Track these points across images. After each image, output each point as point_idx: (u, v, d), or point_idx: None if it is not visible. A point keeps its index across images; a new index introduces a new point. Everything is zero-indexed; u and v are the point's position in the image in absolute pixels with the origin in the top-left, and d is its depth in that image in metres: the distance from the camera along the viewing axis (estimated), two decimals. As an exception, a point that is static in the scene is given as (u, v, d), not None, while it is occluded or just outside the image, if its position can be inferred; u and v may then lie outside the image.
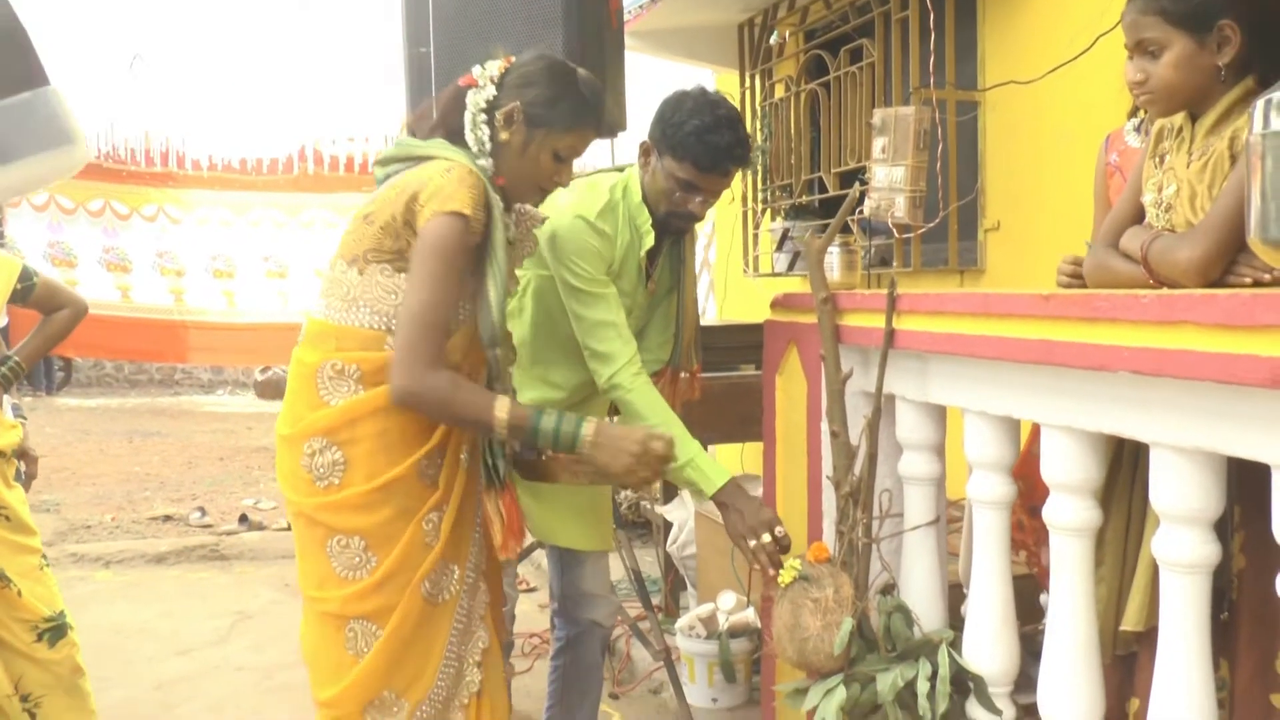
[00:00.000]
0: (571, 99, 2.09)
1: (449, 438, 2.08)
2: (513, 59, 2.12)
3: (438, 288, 1.94)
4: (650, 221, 2.46)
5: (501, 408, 1.95)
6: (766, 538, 2.21)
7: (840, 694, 1.94)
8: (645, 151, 2.45)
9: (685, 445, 2.30)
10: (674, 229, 2.53)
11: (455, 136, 2.10)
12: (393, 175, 2.09)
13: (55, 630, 2.79)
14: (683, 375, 2.71)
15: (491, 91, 2.07)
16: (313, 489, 2.03)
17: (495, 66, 2.10)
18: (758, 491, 3.86)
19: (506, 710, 2.28)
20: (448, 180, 1.97)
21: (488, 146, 2.07)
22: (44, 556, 2.85)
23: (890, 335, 2.00)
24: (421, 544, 2.04)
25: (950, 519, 2.56)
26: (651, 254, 2.56)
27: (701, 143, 2.32)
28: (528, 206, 2.28)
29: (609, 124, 2.23)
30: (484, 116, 2.07)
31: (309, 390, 2.04)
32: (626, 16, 4.83)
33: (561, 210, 2.43)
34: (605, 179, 2.51)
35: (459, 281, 1.99)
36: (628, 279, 2.52)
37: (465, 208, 1.94)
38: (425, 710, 2.10)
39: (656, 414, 2.36)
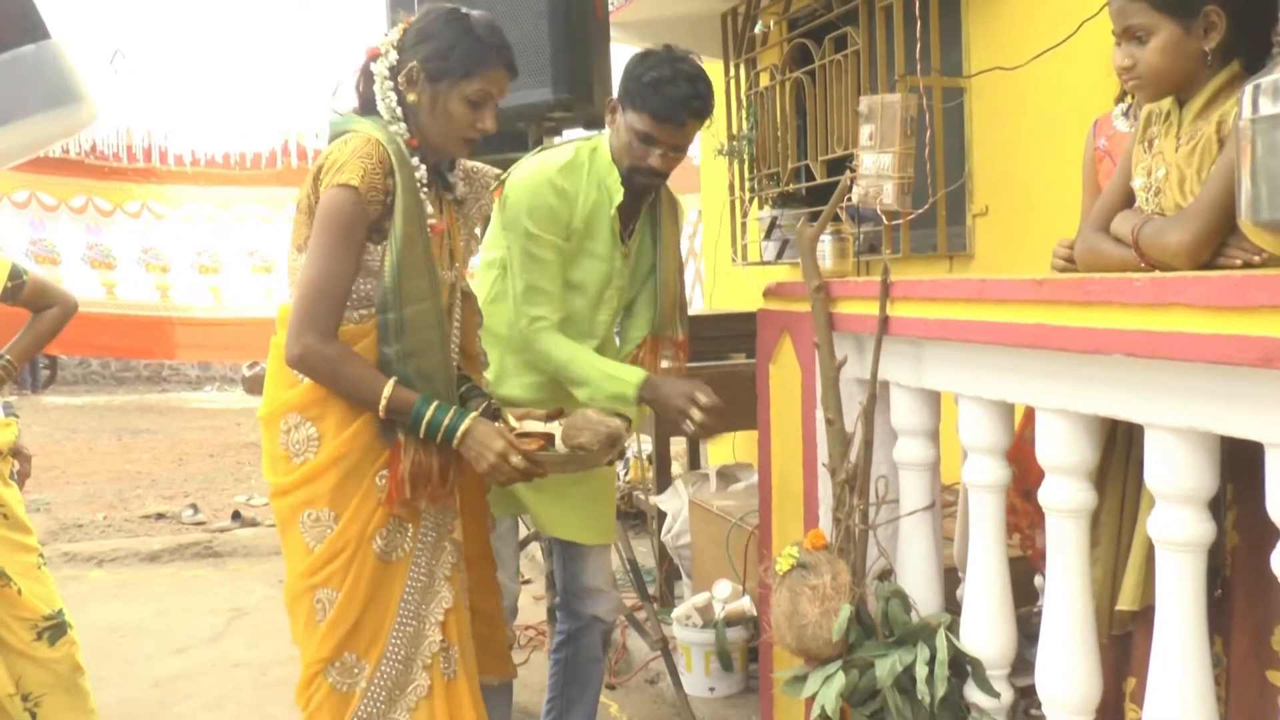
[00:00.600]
0: (466, 44, 2.08)
1: (459, 484, 2.18)
2: (411, 19, 2.14)
3: (327, 258, 2.00)
4: (619, 180, 2.48)
5: (387, 390, 2.02)
6: (696, 413, 2.37)
7: (839, 680, 1.96)
8: (612, 109, 2.48)
9: (592, 365, 2.44)
10: (639, 186, 2.53)
11: (370, 107, 2.14)
12: None
13: (55, 629, 2.79)
14: (669, 342, 2.71)
15: (394, 56, 2.10)
16: (290, 465, 2.11)
17: (396, 31, 2.13)
18: (753, 479, 3.88)
19: (474, 672, 2.30)
20: (342, 152, 2.02)
21: (398, 111, 2.10)
22: (41, 555, 2.84)
23: (884, 322, 2.02)
24: (374, 500, 2.10)
25: (945, 504, 2.58)
26: (626, 219, 2.57)
27: (658, 93, 2.36)
28: (478, 165, 2.36)
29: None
30: (390, 83, 2.10)
31: (282, 370, 2.13)
32: (611, 6, 4.83)
33: (525, 169, 2.48)
34: (573, 143, 2.56)
35: (352, 251, 2.03)
36: (600, 241, 2.53)
37: (353, 179, 1.98)
38: (385, 670, 2.14)
39: (562, 352, 2.45)
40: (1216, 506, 1.54)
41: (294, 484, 2.11)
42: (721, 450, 6.10)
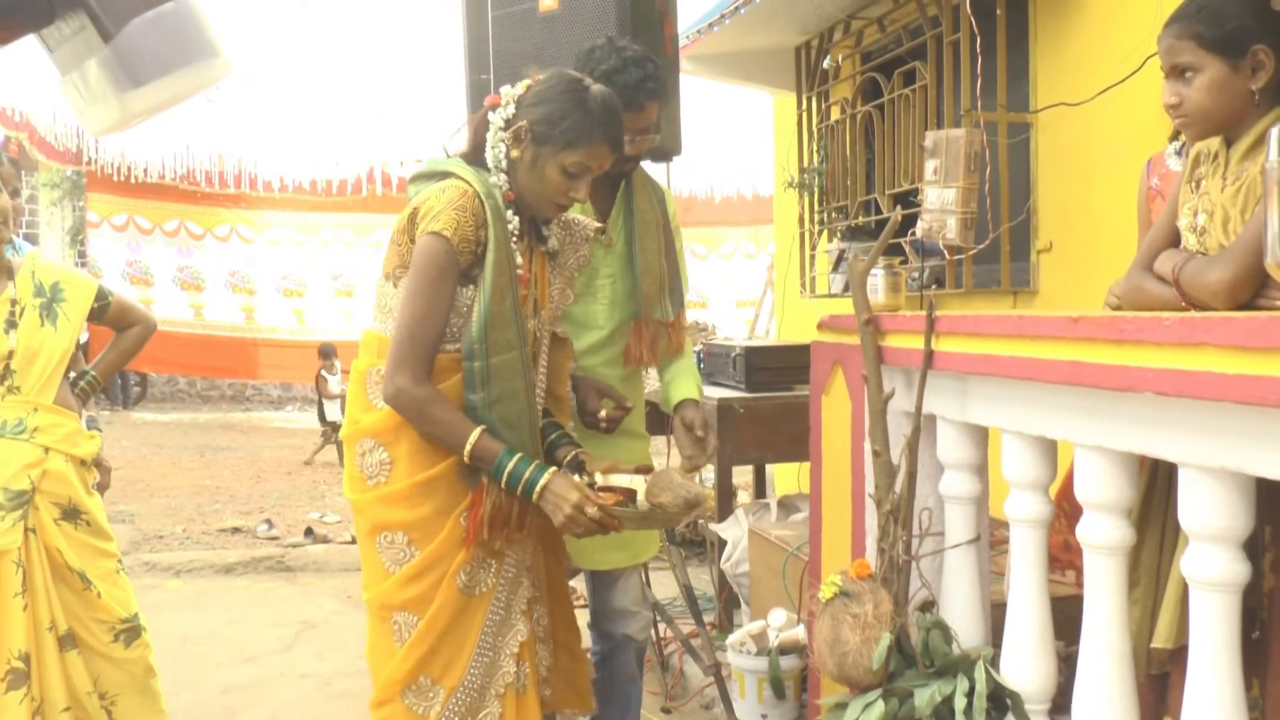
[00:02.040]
0: (577, 116, 2.13)
1: (534, 527, 2.23)
2: (538, 78, 2.20)
3: (418, 304, 2.09)
4: None
5: (473, 437, 2.08)
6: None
7: (879, 708, 1.97)
8: None
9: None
10: (613, 173, 2.55)
11: (479, 153, 2.21)
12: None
13: (130, 631, 2.92)
14: (659, 325, 2.70)
15: (511, 110, 2.16)
16: (365, 487, 2.21)
17: (521, 86, 2.19)
18: (802, 512, 3.88)
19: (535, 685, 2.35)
20: (439, 200, 2.10)
21: (503, 164, 2.17)
22: (120, 561, 2.98)
23: (929, 356, 2.04)
24: (458, 539, 2.17)
25: (998, 539, 2.58)
26: (604, 211, 2.62)
27: (611, 84, 2.36)
28: (578, 217, 2.41)
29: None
30: (502, 134, 2.16)
31: (360, 395, 2.24)
32: (683, 42, 4.92)
33: None
34: None
35: (443, 297, 2.10)
36: None
37: (447, 229, 2.06)
38: (460, 697, 2.21)
39: None
40: (1254, 547, 1.54)
41: (368, 504, 2.21)
42: (788, 480, 6.10)
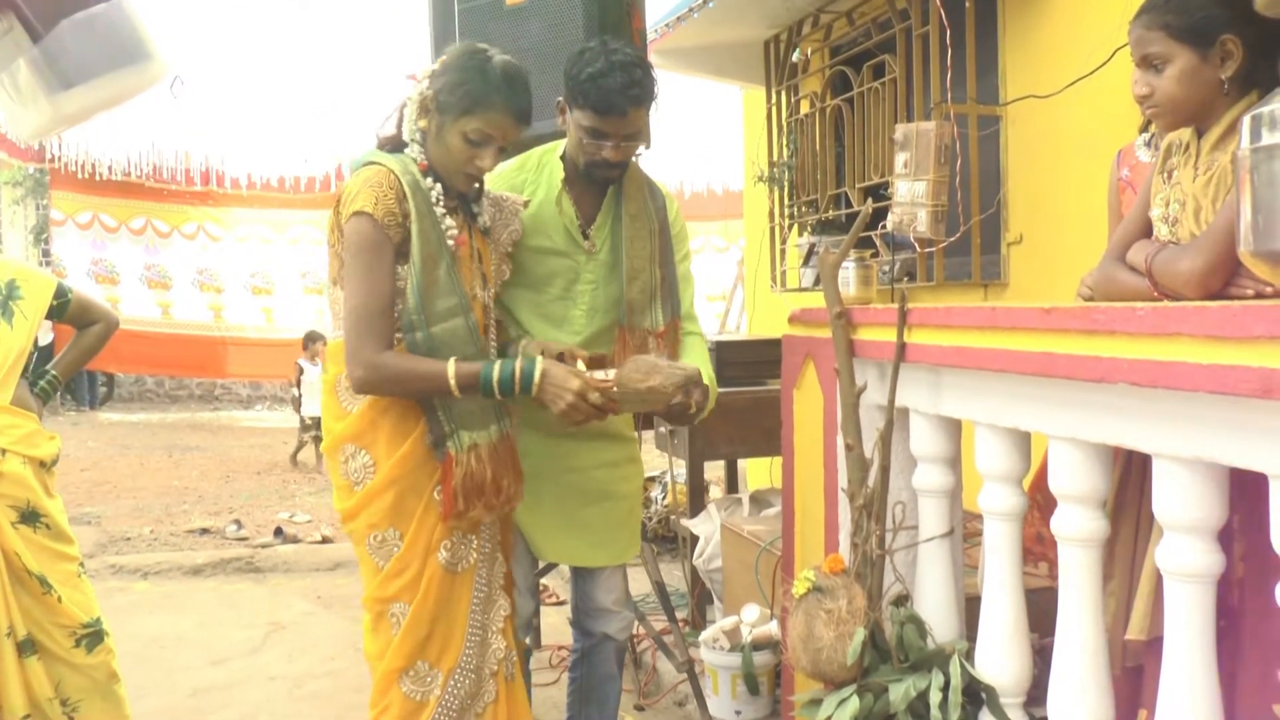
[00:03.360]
0: (475, 83, 2.15)
1: (512, 495, 2.25)
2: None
3: (361, 282, 2.12)
4: (563, 175, 2.52)
5: (451, 369, 2.09)
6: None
7: (853, 704, 1.96)
8: (561, 110, 2.50)
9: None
10: (599, 179, 2.55)
11: (399, 128, 2.25)
12: None
13: (92, 636, 2.87)
14: (645, 334, 2.62)
15: (425, 85, 2.21)
16: (353, 492, 2.21)
17: (437, 62, 2.23)
18: (775, 506, 3.88)
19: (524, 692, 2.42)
20: (355, 183, 2.15)
21: (418, 136, 2.21)
22: (81, 565, 2.92)
23: (902, 348, 2.03)
24: (435, 514, 2.19)
25: (972, 532, 2.57)
26: (591, 215, 2.59)
27: (596, 87, 2.37)
28: (507, 195, 2.46)
29: (521, 113, 2.22)
30: (416, 108, 2.21)
31: (333, 404, 2.25)
32: (651, 36, 4.89)
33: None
34: (535, 150, 2.62)
35: (384, 270, 2.13)
36: (555, 236, 2.54)
37: (366, 206, 2.10)
38: (459, 679, 2.24)
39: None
40: (1225, 537, 1.54)
41: (357, 508, 2.21)
42: (760, 475, 6.10)
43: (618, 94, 2.39)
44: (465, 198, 2.32)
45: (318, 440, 8.57)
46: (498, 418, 2.23)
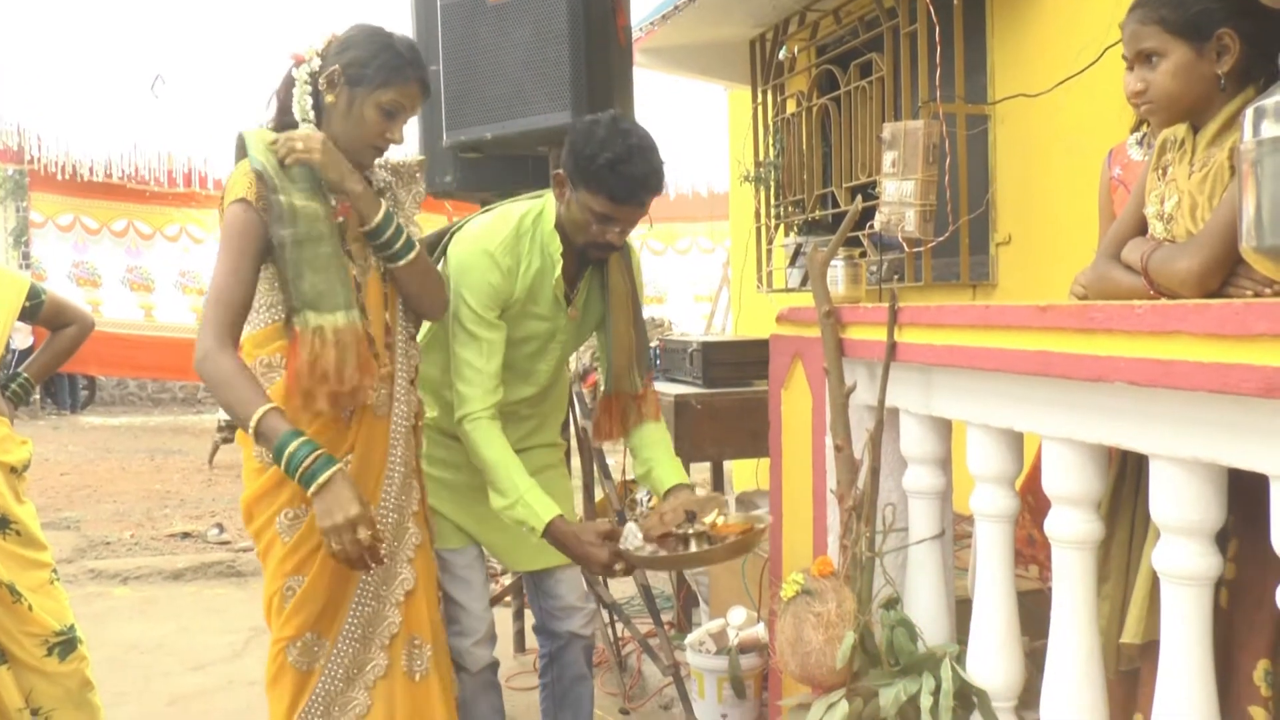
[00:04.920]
0: (387, 56, 2.18)
1: (358, 387, 2.15)
2: (336, 34, 2.25)
3: (223, 268, 2.11)
4: (560, 250, 2.44)
5: (260, 413, 2.00)
6: (604, 554, 2.34)
7: (843, 708, 1.93)
8: (560, 183, 2.41)
9: (514, 484, 2.37)
10: (593, 259, 2.51)
11: (285, 115, 2.24)
12: None
13: (65, 644, 2.81)
14: (628, 398, 2.64)
15: (317, 63, 2.21)
16: (263, 471, 2.18)
17: (321, 41, 2.23)
18: (762, 508, 3.86)
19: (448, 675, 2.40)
20: (232, 175, 2.16)
21: (311, 115, 2.20)
22: (54, 571, 2.86)
23: (892, 348, 2.00)
24: None
25: (962, 534, 2.55)
26: (572, 279, 2.54)
27: (615, 174, 2.29)
28: (403, 158, 2.43)
29: (426, 85, 2.23)
30: (309, 86, 2.21)
31: None
32: (636, 34, 4.86)
33: (468, 240, 2.46)
34: (518, 207, 2.51)
35: (248, 260, 2.11)
36: (543, 304, 2.50)
37: (239, 193, 2.11)
38: (341, 648, 2.22)
39: (491, 452, 2.39)
40: (1219, 537, 1.51)
41: (269, 486, 2.17)
42: (746, 476, 6.07)
43: (638, 184, 2.32)
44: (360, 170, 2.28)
45: (228, 442, 8.21)
46: (346, 306, 2.13)
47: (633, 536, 2.38)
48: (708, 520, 2.36)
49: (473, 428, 2.40)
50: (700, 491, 2.55)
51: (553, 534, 2.35)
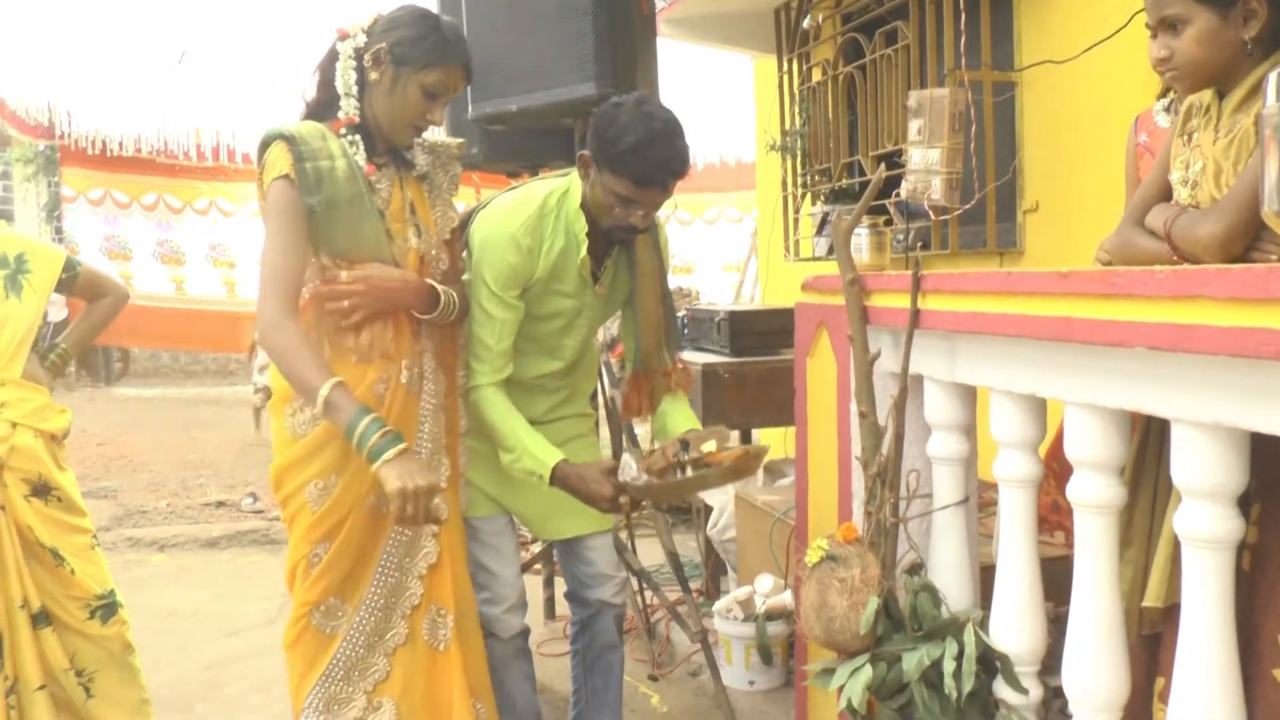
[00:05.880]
0: (435, 37, 2.22)
1: (393, 362, 2.25)
2: (381, 14, 2.27)
3: (274, 244, 2.16)
4: (585, 230, 2.46)
5: (328, 387, 2.05)
6: (608, 489, 2.40)
7: (866, 673, 1.95)
8: (585, 164, 2.43)
9: (518, 438, 2.43)
10: (618, 240, 2.53)
11: (326, 91, 2.27)
12: None
13: (106, 608, 2.88)
14: (657, 375, 2.68)
15: (362, 39, 2.23)
16: (295, 441, 2.24)
17: (368, 18, 2.26)
18: (789, 476, 3.88)
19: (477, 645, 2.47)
20: (268, 154, 2.19)
21: (354, 89, 2.23)
22: (94, 537, 2.93)
23: (915, 315, 2.01)
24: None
25: (987, 502, 2.55)
26: (599, 257, 2.56)
27: (639, 158, 2.30)
28: (442, 139, 2.47)
29: (469, 69, 2.29)
30: (353, 61, 2.24)
31: None
32: (660, 4, 4.85)
33: (491, 219, 2.49)
34: (544, 186, 2.53)
35: (298, 232, 2.16)
36: (569, 282, 2.52)
37: (281, 169, 2.15)
38: (364, 616, 2.28)
39: (493, 414, 2.45)
40: (1241, 501, 1.51)
41: (303, 456, 2.23)
42: (774, 445, 6.08)
43: (661, 168, 2.34)
44: (396, 150, 2.34)
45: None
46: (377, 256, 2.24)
47: (628, 468, 2.45)
48: (704, 448, 2.41)
49: (478, 397, 2.47)
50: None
51: (558, 477, 2.41)
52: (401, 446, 2.06)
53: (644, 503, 2.61)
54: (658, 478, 2.43)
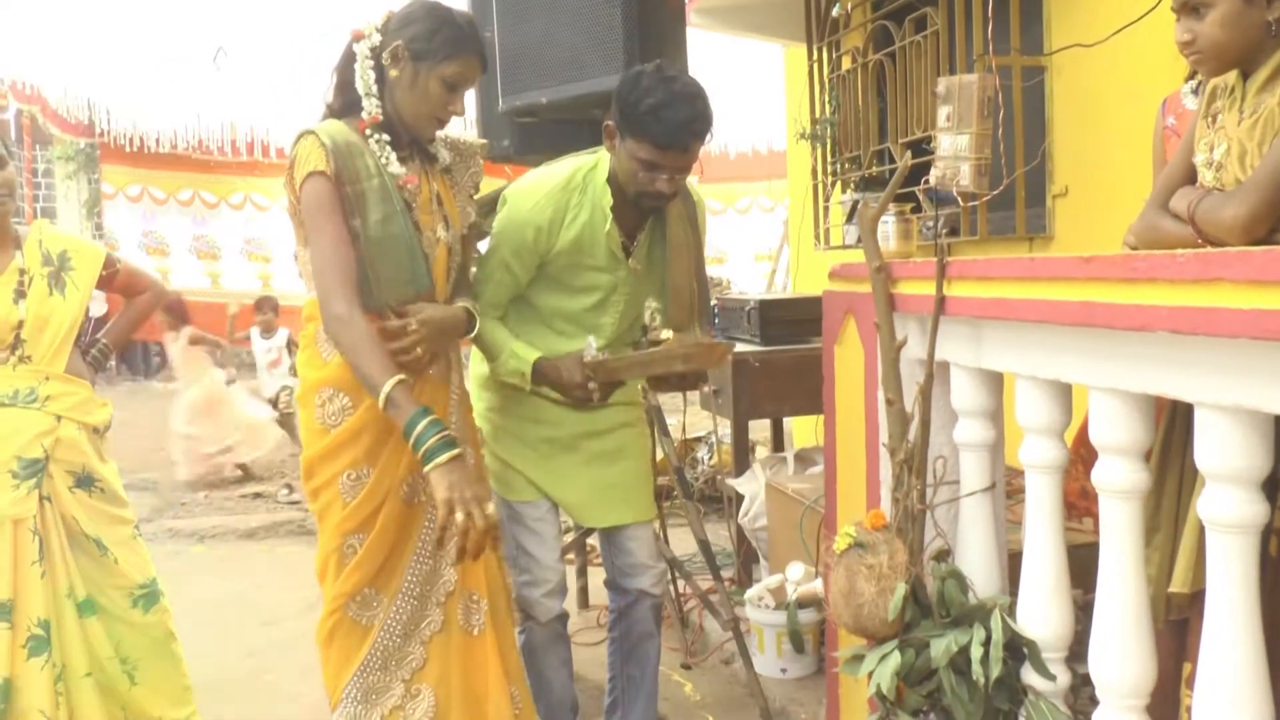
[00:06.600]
0: (450, 30, 2.23)
1: (422, 362, 2.27)
2: (392, 11, 2.30)
3: (323, 240, 2.17)
4: (611, 203, 2.48)
5: (391, 384, 2.07)
6: (578, 374, 2.48)
7: (895, 659, 1.96)
8: (610, 134, 2.45)
9: (500, 344, 2.56)
10: (647, 208, 2.54)
11: (346, 92, 2.29)
12: None
13: (149, 596, 2.94)
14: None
15: (377, 38, 2.25)
16: (326, 433, 2.27)
17: (380, 17, 2.28)
18: (819, 465, 3.88)
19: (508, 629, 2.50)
20: (298, 149, 2.22)
21: (374, 89, 2.25)
22: (136, 527, 2.99)
23: (941, 301, 2.01)
24: (404, 452, 2.21)
25: (1015, 489, 2.55)
26: (632, 232, 2.58)
27: (658, 120, 2.33)
28: (462, 136, 2.50)
29: (485, 58, 2.32)
30: (371, 61, 2.26)
31: (313, 355, 2.33)
32: (690, -7, 4.85)
33: (519, 189, 2.54)
34: (571, 161, 2.56)
35: (340, 226, 2.18)
36: (598, 255, 2.55)
37: (315, 165, 2.17)
38: (400, 605, 2.31)
39: (484, 330, 2.53)
40: (1269, 486, 1.51)
41: (335, 447, 2.26)
42: (806, 433, 6.08)
43: (681, 129, 2.35)
44: (418, 144, 2.37)
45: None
46: (417, 286, 2.27)
47: (589, 349, 2.54)
48: (664, 336, 2.53)
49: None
50: None
51: (539, 372, 2.52)
52: (455, 452, 2.06)
53: (614, 391, 2.62)
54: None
